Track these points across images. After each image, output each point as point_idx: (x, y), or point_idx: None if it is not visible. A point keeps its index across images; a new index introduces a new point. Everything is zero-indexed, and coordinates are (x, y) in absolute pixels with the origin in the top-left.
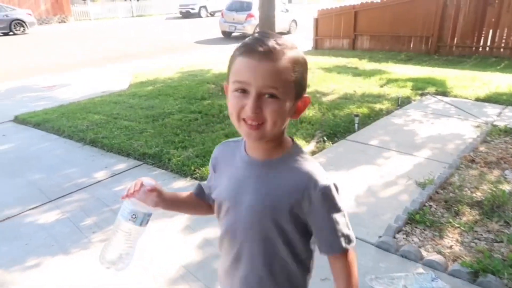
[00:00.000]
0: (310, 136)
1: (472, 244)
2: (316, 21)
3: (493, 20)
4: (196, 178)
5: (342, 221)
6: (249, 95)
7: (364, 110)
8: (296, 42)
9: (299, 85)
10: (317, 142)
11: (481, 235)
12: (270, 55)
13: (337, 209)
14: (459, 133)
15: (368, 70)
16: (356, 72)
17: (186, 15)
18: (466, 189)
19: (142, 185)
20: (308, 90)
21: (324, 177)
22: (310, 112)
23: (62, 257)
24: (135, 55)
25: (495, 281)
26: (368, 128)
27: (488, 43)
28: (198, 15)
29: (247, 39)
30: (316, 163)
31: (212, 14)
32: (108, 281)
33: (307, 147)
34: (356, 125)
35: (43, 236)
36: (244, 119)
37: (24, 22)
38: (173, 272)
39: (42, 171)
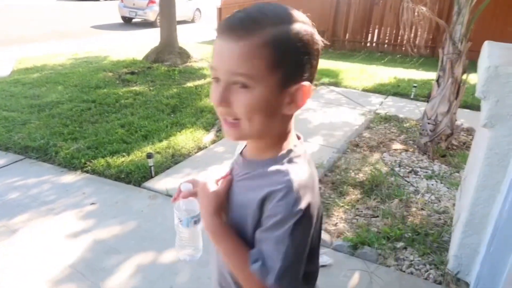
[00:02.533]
0: (210, 125)
1: (354, 221)
2: (220, 10)
3: (379, 18)
4: (87, 171)
5: (275, 248)
6: (220, 82)
7: None
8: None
9: (287, 68)
10: (217, 131)
11: (362, 211)
12: (239, 32)
13: (280, 238)
14: (348, 121)
15: None
16: None
17: None
18: (351, 171)
19: (180, 191)
20: (209, 79)
21: (288, 193)
22: (211, 102)
23: None
24: (20, 39)
25: (370, 251)
26: None
27: (375, 39)
28: None
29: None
30: (295, 176)
31: None
32: None
33: (207, 136)
34: None
35: None
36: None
37: None
38: (59, 273)
39: None
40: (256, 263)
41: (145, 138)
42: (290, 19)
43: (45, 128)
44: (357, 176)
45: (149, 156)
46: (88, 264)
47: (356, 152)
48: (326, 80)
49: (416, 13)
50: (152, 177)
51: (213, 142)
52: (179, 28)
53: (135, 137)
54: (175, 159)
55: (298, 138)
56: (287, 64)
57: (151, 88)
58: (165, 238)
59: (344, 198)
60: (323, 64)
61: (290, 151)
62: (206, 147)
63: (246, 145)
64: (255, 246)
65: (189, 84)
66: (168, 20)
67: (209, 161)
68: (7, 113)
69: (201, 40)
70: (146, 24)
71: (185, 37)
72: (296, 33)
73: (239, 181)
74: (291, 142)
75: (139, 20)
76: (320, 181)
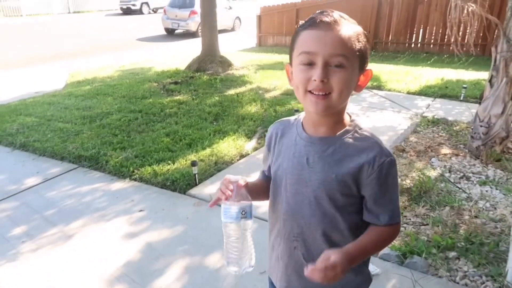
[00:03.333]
0: (252, 132)
1: (401, 229)
2: (259, 18)
3: (423, 18)
4: (135, 179)
5: (393, 197)
6: (316, 66)
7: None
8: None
9: (363, 56)
10: (258, 138)
11: (410, 219)
12: (336, 25)
13: (391, 185)
14: (393, 125)
15: None
16: None
17: (127, 11)
18: (398, 177)
19: (232, 182)
20: (251, 86)
21: (382, 154)
22: (252, 109)
23: None
24: (72, 53)
25: (420, 261)
26: None
27: (420, 40)
28: (139, 12)
29: (311, 15)
30: (375, 138)
31: (155, 11)
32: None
33: (248, 143)
34: None
35: None
36: (310, 91)
37: None
38: (110, 276)
39: None
40: (385, 220)
41: (189, 146)
42: (356, 23)
43: (96, 138)
44: (404, 182)
45: (193, 164)
46: (137, 268)
47: (402, 157)
48: (368, 83)
49: (465, 11)
50: (196, 184)
51: (255, 149)
52: (220, 37)
53: (179, 145)
54: (218, 167)
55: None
56: (363, 53)
57: (194, 97)
58: (209, 244)
59: None
60: None
61: (353, 120)
62: (248, 154)
63: (304, 129)
64: (368, 203)
65: (231, 92)
66: (209, 29)
67: (252, 168)
68: (62, 124)
69: (242, 48)
70: (188, 34)
71: (225, 46)
72: (364, 32)
73: (321, 158)
74: (346, 116)
75: (182, 31)
76: None
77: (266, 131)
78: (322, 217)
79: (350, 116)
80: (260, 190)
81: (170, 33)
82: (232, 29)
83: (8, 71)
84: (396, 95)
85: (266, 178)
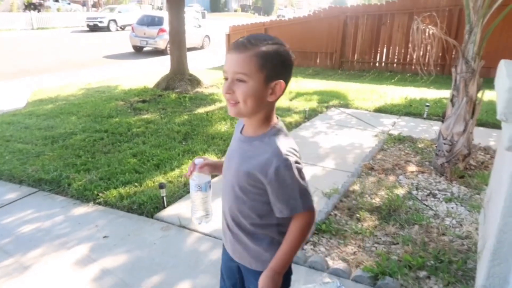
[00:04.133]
0: (222, 152)
1: (373, 249)
2: (228, 37)
3: (387, 38)
4: (99, 203)
5: (292, 194)
6: (227, 81)
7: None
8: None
9: (268, 71)
10: None
11: (380, 238)
12: (241, 48)
13: (288, 184)
14: (360, 143)
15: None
16: None
17: (94, 28)
18: (367, 195)
19: (195, 164)
20: (220, 105)
21: (279, 159)
22: (222, 127)
23: None
24: (35, 70)
25: (392, 282)
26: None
27: (384, 59)
28: (107, 29)
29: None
30: (280, 144)
31: (123, 28)
32: None
33: None
34: None
35: None
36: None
37: None
38: None
39: None
40: (287, 213)
41: (157, 167)
42: (271, 42)
43: (59, 160)
44: (373, 201)
45: (161, 186)
46: None
47: (371, 175)
48: (335, 101)
49: (427, 34)
50: (164, 207)
51: None
52: (189, 55)
53: (147, 166)
54: (187, 188)
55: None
56: (268, 68)
57: (162, 115)
58: (178, 271)
59: (362, 225)
60: (331, 85)
61: (274, 127)
62: (217, 174)
63: (243, 127)
64: (271, 199)
65: (200, 110)
66: (178, 47)
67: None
68: (22, 145)
69: (211, 66)
70: (157, 52)
71: (195, 64)
72: (274, 49)
73: (240, 153)
74: (273, 121)
75: (150, 48)
76: (336, 207)
77: None
78: (235, 199)
79: (275, 124)
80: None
81: (138, 51)
82: (202, 47)
83: None
84: (362, 113)
85: None
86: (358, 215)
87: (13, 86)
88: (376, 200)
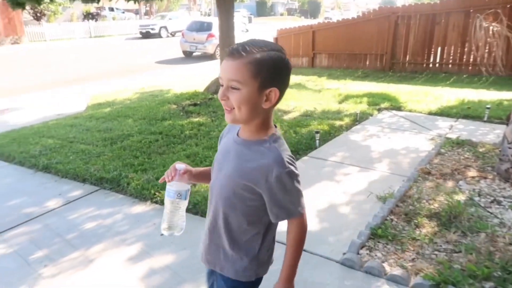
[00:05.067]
0: None
1: (433, 256)
2: (276, 40)
3: (441, 38)
4: (156, 202)
5: (290, 200)
6: (222, 88)
7: (324, 126)
8: None
9: (263, 79)
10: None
11: (441, 246)
12: (235, 55)
13: (288, 191)
14: (415, 146)
15: (327, 87)
16: (316, 90)
17: (146, 35)
18: (424, 201)
19: (176, 169)
20: None
21: (280, 165)
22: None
23: None
24: (93, 76)
25: None
26: (329, 144)
27: (438, 60)
28: (158, 35)
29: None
30: (280, 152)
31: (173, 34)
32: None
33: None
34: (317, 141)
35: None
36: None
37: None
38: None
39: None
40: (282, 218)
41: None
42: (268, 49)
43: (118, 160)
44: (432, 207)
45: None
46: None
47: (428, 180)
48: (387, 104)
49: (490, 32)
50: None
51: None
52: None
53: (200, 167)
54: None
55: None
56: (263, 75)
57: (213, 118)
58: None
59: (420, 231)
60: (382, 88)
61: (273, 135)
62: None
63: (239, 129)
64: (268, 205)
65: None
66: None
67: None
68: (84, 146)
69: None
70: (206, 57)
71: None
72: (269, 56)
73: (236, 155)
74: (272, 129)
75: (199, 53)
76: (392, 212)
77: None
78: (225, 201)
79: (275, 131)
80: (206, 175)
81: (188, 56)
82: None
83: (32, 94)
84: (416, 116)
85: None
86: (416, 221)
87: (73, 91)
88: (435, 206)
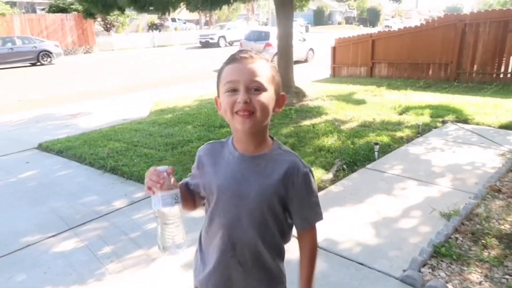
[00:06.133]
0: (329, 164)
1: (503, 280)
2: (334, 49)
3: None
4: None
5: (315, 201)
6: (239, 91)
7: (383, 138)
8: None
9: (276, 84)
10: (336, 171)
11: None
12: (251, 59)
13: (313, 191)
14: (483, 162)
15: (386, 98)
16: (375, 100)
17: (206, 45)
18: (494, 220)
19: (159, 172)
20: (326, 118)
21: (302, 165)
22: (328, 140)
23: (78, 287)
24: (156, 83)
25: None
26: (388, 157)
27: (510, 70)
28: (217, 45)
29: (230, 55)
30: (295, 154)
31: (231, 44)
32: None
33: (326, 175)
34: (376, 153)
35: (61, 265)
36: (237, 112)
37: (51, 53)
38: None
39: (63, 199)
40: (311, 220)
41: None
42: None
43: (178, 164)
44: (502, 227)
45: None
46: None
47: (498, 198)
48: (451, 116)
49: None
50: None
51: (333, 182)
52: (294, 68)
53: None
54: None
55: None
56: (276, 79)
57: (270, 127)
58: None
59: (489, 253)
60: (447, 99)
61: (275, 140)
62: (326, 187)
63: (234, 146)
64: (295, 208)
65: (306, 122)
66: (285, 61)
67: (330, 202)
68: (147, 150)
69: (315, 78)
70: None
71: (299, 77)
72: (275, 67)
73: (255, 173)
74: (268, 137)
75: None
76: (457, 230)
77: (345, 163)
78: (258, 224)
79: (272, 137)
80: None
81: None
82: (305, 61)
83: (100, 100)
84: (485, 130)
85: (188, 189)
86: (484, 241)
87: (137, 97)
88: (506, 227)
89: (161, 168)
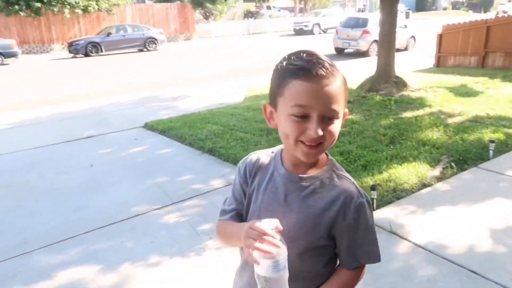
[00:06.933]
0: (435, 160)
1: None
2: (440, 37)
3: None
4: None
5: (370, 238)
6: (311, 120)
7: (499, 135)
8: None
9: (346, 102)
10: (443, 168)
11: None
12: (330, 78)
13: (369, 227)
14: None
15: (502, 91)
16: (488, 93)
17: (299, 32)
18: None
19: (266, 229)
20: (430, 110)
21: (358, 194)
22: (434, 135)
23: (180, 259)
24: (250, 70)
25: None
26: (506, 156)
27: None
28: (311, 32)
29: (298, 60)
30: (351, 179)
31: (325, 31)
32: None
33: (431, 172)
34: (490, 152)
35: (166, 236)
36: (302, 141)
37: (156, 40)
38: None
39: (166, 175)
40: (363, 259)
41: (364, 168)
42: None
43: None
44: None
45: (373, 188)
46: None
47: None
48: None
49: None
50: (373, 210)
51: (439, 179)
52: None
53: (354, 166)
54: (397, 194)
55: None
56: (347, 96)
57: (367, 117)
58: (388, 280)
59: None
60: None
61: (330, 160)
62: (432, 184)
63: (283, 167)
64: (345, 244)
65: (407, 114)
66: (387, 49)
67: (436, 201)
68: (243, 134)
69: (417, 68)
70: (358, 54)
71: (399, 66)
72: (344, 76)
73: (299, 197)
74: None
75: (351, 50)
76: None
77: (453, 160)
78: (301, 253)
79: (327, 155)
80: None
81: (340, 53)
82: (405, 49)
83: (198, 84)
84: None
85: (241, 219)
86: None
87: (232, 83)
88: None
89: (269, 223)
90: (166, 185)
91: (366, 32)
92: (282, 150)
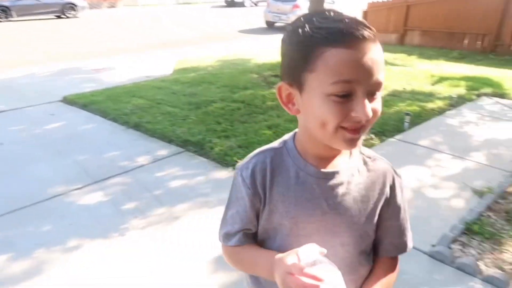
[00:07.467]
0: None
1: None
2: (365, 14)
3: None
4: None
5: (407, 222)
6: (356, 97)
7: (414, 108)
8: None
9: None
10: (364, 140)
11: None
12: (376, 41)
13: (406, 209)
14: None
15: (417, 67)
16: (405, 69)
17: (231, 4)
18: None
19: (302, 261)
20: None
21: (396, 174)
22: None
23: (103, 241)
24: (179, 42)
25: None
26: (419, 128)
27: None
28: (242, 5)
29: (330, 22)
30: (382, 157)
31: (256, 4)
32: (144, 272)
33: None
34: (406, 124)
35: (87, 217)
36: (345, 127)
37: (75, 6)
38: (209, 264)
39: (87, 152)
40: (410, 244)
41: None
42: None
43: (202, 124)
44: None
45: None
46: None
47: None
48: (487, 90)
49: None
50: None
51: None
52: None
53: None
54: None
55: None
56: None
57: None
58: None
59: None
60: (482, 71)
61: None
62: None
63: (309, 164)
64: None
65: None
66: None
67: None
68: (171, 109)
69: None
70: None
71: None
72: None
73: (344, 196)
74: None
75: (282, 24)
76: (490, 208)
77: (372, 132)
78: (349, 262)
79: None
80: None
81: (270, 26)
82: None
83: (123, 56)
84: None
85: (251, 239)
86: None
87: (159, 55)
88: None
89: (308, 256)
90: (87, 163)
91: (296, 6)
92: (294, 141)
